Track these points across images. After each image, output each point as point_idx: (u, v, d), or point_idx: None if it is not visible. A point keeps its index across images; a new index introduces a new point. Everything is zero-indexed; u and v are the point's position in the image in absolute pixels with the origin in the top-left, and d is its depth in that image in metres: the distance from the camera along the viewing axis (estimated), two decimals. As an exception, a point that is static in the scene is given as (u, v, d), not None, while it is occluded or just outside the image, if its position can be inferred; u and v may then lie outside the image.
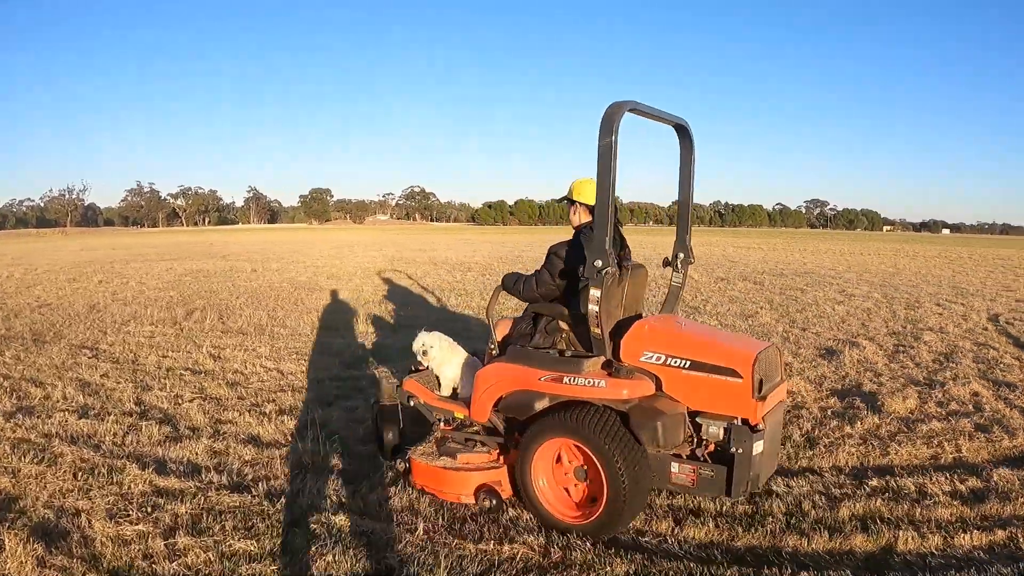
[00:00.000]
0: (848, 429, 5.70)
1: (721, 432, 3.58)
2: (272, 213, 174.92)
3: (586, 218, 4.22)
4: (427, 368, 4.68)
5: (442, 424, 4.50)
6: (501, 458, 4.22)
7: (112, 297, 13.89)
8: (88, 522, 3.80)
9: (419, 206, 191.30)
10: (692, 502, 4.22)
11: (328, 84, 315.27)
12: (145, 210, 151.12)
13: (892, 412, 6.18)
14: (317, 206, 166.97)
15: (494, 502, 4.03)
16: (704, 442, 3.70)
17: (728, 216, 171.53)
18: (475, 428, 4.37)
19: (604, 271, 3.56)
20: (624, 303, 4.14)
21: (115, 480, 4.38)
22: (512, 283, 4.41)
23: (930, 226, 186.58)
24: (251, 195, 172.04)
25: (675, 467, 3.71)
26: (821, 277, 19.26)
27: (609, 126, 3.52)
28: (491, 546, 3.70)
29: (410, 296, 14.38)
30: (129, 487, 4.28)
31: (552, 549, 3.69)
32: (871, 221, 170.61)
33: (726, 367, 3.55)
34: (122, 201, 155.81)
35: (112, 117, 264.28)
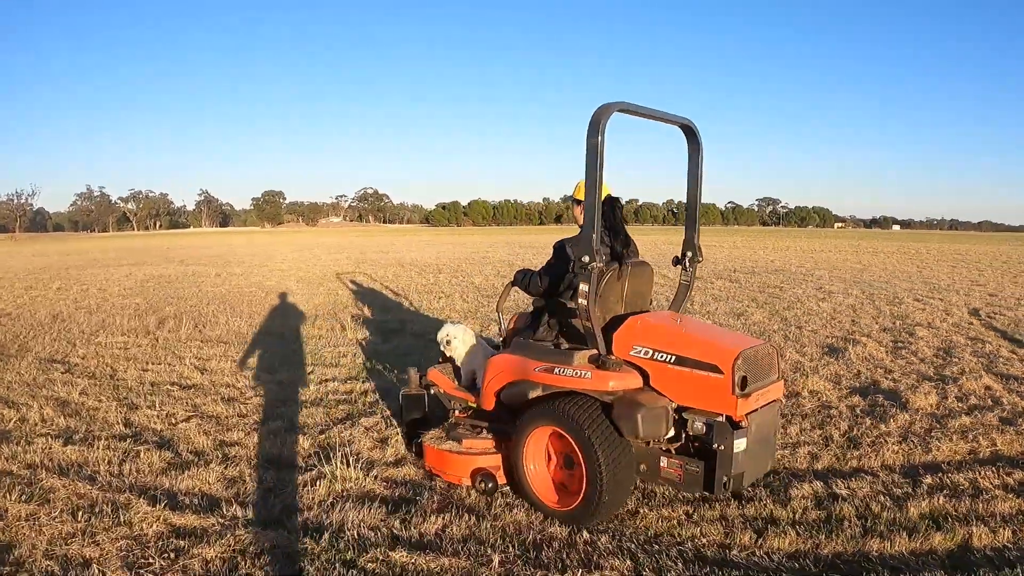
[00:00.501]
0: (884, 427, 5.59)
1: (704, 428, 3.58)
2: (224, 216, 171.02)
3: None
4: (450, 358, 4.88)
5: (457, 412, 4.74)
6: (501, 443, 4.30)
7: (75, 305, 12.95)
8: (102, 574, 3.23)
9: (372, 208, 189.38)
10: (763, 510, 4.06)
11: (280, 85, 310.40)
12: (95, 215, 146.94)
13: (918, 408, 6.10)
14: (270, 209, 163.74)
15: (490, 485, 4.16)
16: (691, 437, 3.71)
17: (681, 215, 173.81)
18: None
19: (591, 267, 3.60)
20: (625, 299, 4.18)
21: (122, 520, 3.75)
22: (521, 279, 4.47)
23: (880, 222, 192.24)
24: (203, 198, 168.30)
25: (664, 461, 3.76)
26: (793, 274, 19.28)
27: (596, 127, 3.55)
28: (578, 574, 3.31)
29: (388, 300, 13.82)
30: (141, 528, 3.67)
31: (644, 572, 3.34)
32: (823, 218, 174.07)
33: (707, 362, 3.55)
34: (72, 206, 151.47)
35: (62, 120, 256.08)
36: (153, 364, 7.73)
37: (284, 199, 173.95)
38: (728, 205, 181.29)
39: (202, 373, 7.27)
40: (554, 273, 4.24)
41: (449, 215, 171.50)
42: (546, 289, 4.30)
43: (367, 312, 11.73)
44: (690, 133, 4.31)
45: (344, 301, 13.42)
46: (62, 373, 7.25)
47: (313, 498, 4.12)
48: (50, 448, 4.91)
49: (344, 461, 4.52)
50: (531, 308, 4.61)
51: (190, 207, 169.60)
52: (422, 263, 24.22)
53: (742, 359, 3.53)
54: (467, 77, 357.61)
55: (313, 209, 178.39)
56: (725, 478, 3.55)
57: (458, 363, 4.83)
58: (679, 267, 4.52)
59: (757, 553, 3.57)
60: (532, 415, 3.96)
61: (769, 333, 9.83)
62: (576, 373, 3.76)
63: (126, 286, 16.58)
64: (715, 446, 3.53)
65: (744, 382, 3.54)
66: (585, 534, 3.73)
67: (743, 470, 3.60)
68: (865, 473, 4.65)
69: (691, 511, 4.05)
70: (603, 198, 4.04)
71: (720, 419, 3.55)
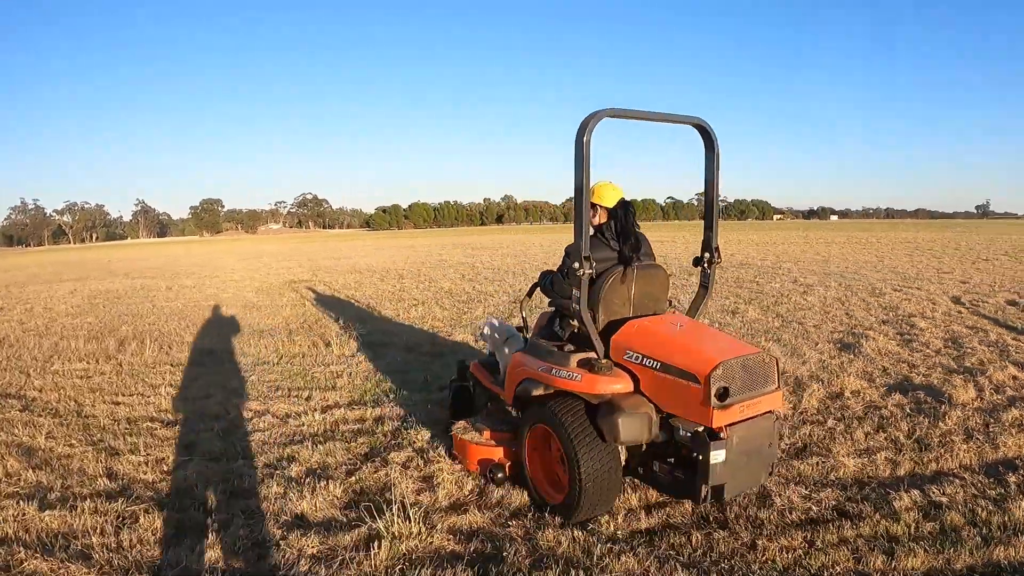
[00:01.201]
0: (942, 425, 5.35)
1: (687, 436, 3.52)
2: (162, 226, 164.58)
3: (605, 219, 4.24)
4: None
5: (489, 405, 4.94)
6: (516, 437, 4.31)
7: (21, 328, 11.60)
8: None
9: (312, 213, 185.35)
10: (877, 527, 3.78)
11: (216, 91, 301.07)
12: (30, 228, 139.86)
13: (963, 403, 5.88)
14: (208, 217, 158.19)
15: (499, 476, 4.23)
16: (679, 445, 3.65)
17: (671, 212, 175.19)
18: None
19: (581, 273, 3.66)
20: (633, 302, 4.10)
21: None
22: (543, 281, 4.49)
23: (819, 213, 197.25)
24: (139, 208, 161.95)
25: (656, 466, 3.78)
26: (761, 268, 19.03)
27: (582, 134, 3.56)
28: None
29: (361, 310, 12.90)
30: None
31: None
32: (761, 211, 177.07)
33: (686, 371, 3.46)
34: (4, 219, 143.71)
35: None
36: (123, 395, 6.74)
37: (223, 207, 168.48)
38: (668, 200, 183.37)
39: (183, 404, 6.35)
40: (561, 276, 4.21)
41: (390, 218, 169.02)
42: (557, 291, 4.27)
43: (341, 324, 10.79)
44: (704, 134, 4.17)
45: (313, 313, 12.46)
46: (20, 411, 6.22)
47: (376, 566, 3.33)
48: (23, 514, 3.97)
49: (400, 512, 3.73)
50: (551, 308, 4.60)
51: (127, 218, 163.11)
52: (380, 268, 23.23)
53: (722, 369, 3.39)
54: (401, 79, 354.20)
55: (252, 216, 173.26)
56: (704, 488, 3.47)
57: (496, 357, 5.02)
58: (699, 267, 4.44)
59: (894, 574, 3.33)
60: (531, 412, 4.07)
61: (773, 331, 9.42)
62: (569, 375, 3.81)
63: (73, 304, 15.13)
64: (694, 455, 3.49)
65: (725, 393, 3.41)
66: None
67: (723, 482, 3.47)
68: (950, 476, 4.42)
69: (808, 535, 3.68)
70: (616, 202, 4.17)
71: (699, 429, 3.48)
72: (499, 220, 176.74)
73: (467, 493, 4.26)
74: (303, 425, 5.65)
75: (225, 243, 77.66)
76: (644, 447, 3.81)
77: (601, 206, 4.21)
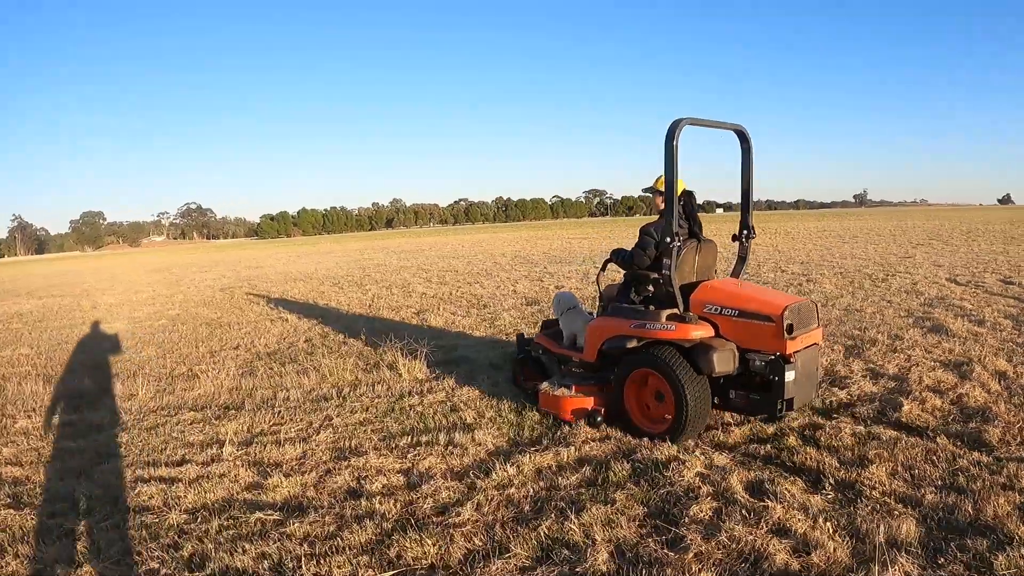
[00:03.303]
0: None
1: (763, 364, 4.25)
2: (40, 242, 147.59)
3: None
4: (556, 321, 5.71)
5: (562, 367, 5.39)
6: (603, 388, 4.89)
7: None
8: None
9: (196, 224, 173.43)
10: None
11: (94, 100, 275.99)
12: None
13: None
14: (90, 231, 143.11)
15: (598, 420, 4.69)
16: (752, 373, 4.33)
17: (512, 212, 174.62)
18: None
19: (673, 245, 4.39)
20: (697, 270, 4.81)
21: None
22: (619, 257, 5.07)
23: (704, 207, 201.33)
24: (16, 224, 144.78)
25: (732, 394, 4.43)
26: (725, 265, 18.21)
27: (671, 137, 4.29)
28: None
29: (358, 321, 10.74)
30: None
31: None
32: (648, 206, 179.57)
33: (763, 314, 4.26)
34: None
35: None
36: (168, 467, 4.47)
37: (104, 220, 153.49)
38: (554, 199, 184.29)
39: (285, 479, 4.14)
40: (642, 251, 4.78)
41: (278, 226, 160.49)
42: (638, 264, 4.81)
43: (364, 340, 8.68)
44: (742, 137, 4.97)
45: (306, 327, 10.15)
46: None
47: None
48: None
49: None
50: (619, 281, 5.29)
51: (2, 235, 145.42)
52: (322, 276, 20.63)
53: (788, 311, 4.20)
54: (282, 84, 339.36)
55: (135, 229, 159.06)
56: (780, 403, 4.21)
57: (560, 326, 5.59)
58: (736, 242, 5.25)
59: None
60: (630, 361, 4.61)
61: (863, 307, 8.31)
62: (664, 327, 4.43)
63: (-20, 333, 11.82)
64: (772, 378, 4.20)
65: (791, 328, 4.21)
66: None
67: (793, 396, 4.23)
68: None
69: None
70: (680, 191, 4.64)
71: (774, 357, 4.21)
72: (389, 224, 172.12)
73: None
74: (499, 496, 3.69)
75: (113, 258, 69.67)
76: (721, 380, 4.41)
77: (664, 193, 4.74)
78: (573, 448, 4.41)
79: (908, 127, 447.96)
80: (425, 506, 3.68)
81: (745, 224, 5.12)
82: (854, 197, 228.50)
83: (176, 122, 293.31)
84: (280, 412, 5.61)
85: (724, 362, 4.24)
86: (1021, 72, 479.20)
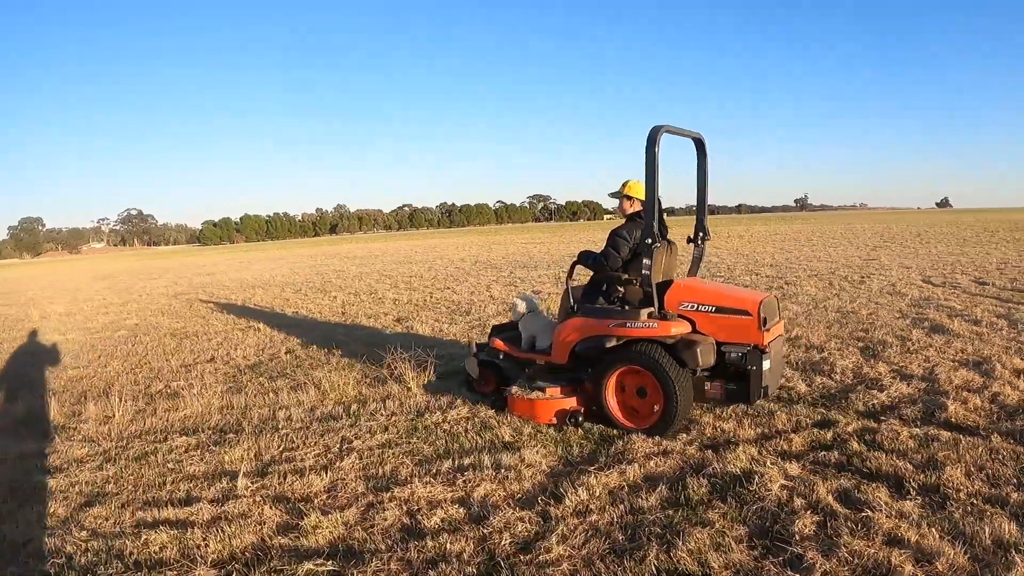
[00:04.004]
0: None
1: (739, 356, 4.43)
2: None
3: (637, 208, 4.96)
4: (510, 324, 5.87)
5: (527, 371, 5.35)
6: (576, 388, 4.90)
7: None
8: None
9: (137, 230, 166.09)
10: None
11: (30, 100, 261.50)
12: None
13: None
14: (28, 238, 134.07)
15: (580, 419, 4.69)
16: (728, 365, 4.48)
17: (457, 217, 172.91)
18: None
19: (654, 246, 4.51)
20: (663, 270, 4.92)
21: None
22: (589, 260, 5.07)
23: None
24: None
25: (707, 385, 4.57)
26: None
27: (652, 143, 4.42)
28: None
29: (341, 330, 10.02)
30: None
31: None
32: (593, 211, 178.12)
33: (741, 309, 4.48)
34: None
35: None
36: (174, 507, 3.77)
37: (43, 226, 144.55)
38: (498, 204, 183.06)
39: (323, 516, 3.50)
40: (614, 253, 4.83)
41: (221, 232, 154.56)
42: (610, 266, 4.84)
43: (338, 351, 8.02)
44: (700, 144, 5.19)
45: (288, 338, 9.38)
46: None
47: None
48: None
49: None
50: (575, 282, 5.29)
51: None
52: (288, 283, 19.58)
53: (761, 305, 4.45)
54: (224, 87, 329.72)
55: (75, 235, 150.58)
56: (758, 391, 4.41)
57: (520, 329, 5.54)
58: (692, 244, 5.35)
59: None
60: (612, 359, 4.65)
61: (855, 308, 8.11)
62: (645, 325, 4.52)
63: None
64: (749, 368, 4.40)
65: (765, 321, 4.44)
66: None
67: (768, 384, 4.47)
68: None
69: None
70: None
71: (750, 348, 4.42)
72: (333, 230, 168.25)
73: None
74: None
75: (53, 265, 65.42)
76: (697, 373, 4.51)
77: (636, 198, 4.96)
78: (636, 465, 3.99)
79: (847, 132, 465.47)
80: (503, 543, 3.15)
81: (701, 227, 5.31)
82: (795, 201, 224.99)
83: (116, 125, 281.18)
84: (287, 435, 4.93)
85: (707, 355, 4.39)
86: (957, 78, 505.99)
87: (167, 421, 5.52)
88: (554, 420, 4.78)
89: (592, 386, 4.75)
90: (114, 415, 5.71)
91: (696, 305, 4.56)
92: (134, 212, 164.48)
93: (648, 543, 3.09)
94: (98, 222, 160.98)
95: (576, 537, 3.19)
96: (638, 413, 4.64)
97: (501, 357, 5.51)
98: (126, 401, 6.08)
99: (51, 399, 6.31)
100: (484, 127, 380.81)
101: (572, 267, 5.35)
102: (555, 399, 4.83)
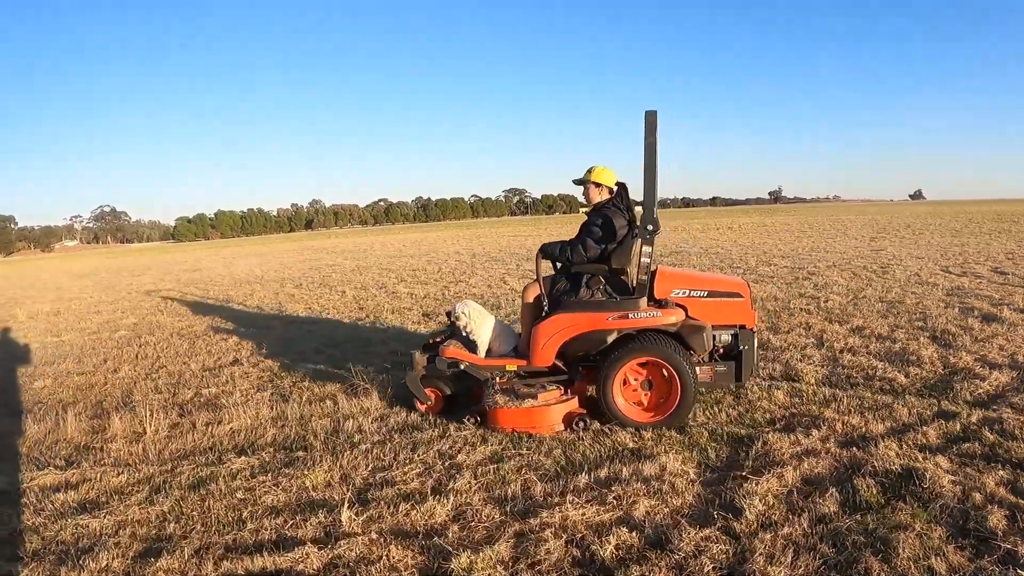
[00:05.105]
0: None
1: (730, 338, 4.46)
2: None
3: (605, 196, 4.73)
4: (450, 333, 5.08)
5: (498, 378, 4.65)
6: (570, 390, 4.53)
7: None
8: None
9: (111, 227, 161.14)
10: None
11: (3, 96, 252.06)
12: None
13: None
14: (1, 237, 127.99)
15: (585, 423, 4.28)
16: (717, 347, 4.48)
17: (433, 211, 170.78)
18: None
19: (655, 232, 4.24)
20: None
21: None
22: (557, 251, 4.65)
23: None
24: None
25: (698, 369, 4.33)
26: (710, 259, 17.51)
27: (652, 128, 4.09)
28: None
29: (340, 325, 9.11)
30: None
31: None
32: (569, 204, 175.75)
33: (734, 292, 4.53)
34: None
35: None
36: (269, 553, 2.91)
37: (15, 224, 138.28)
38: (473, 198, 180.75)
39: (474, 555, 2.76)
40: (591, 244, 4.56)
41: (196, 229, 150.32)
42: (588, 257, 4.55)
43: (379, 349, 7.14)
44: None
45: (312, 337, 8.45)
46: None
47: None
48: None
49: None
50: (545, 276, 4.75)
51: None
52: (287, 278, 18.46)
53: (747, 287, 4.61)
54: (195, 82, 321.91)
55: (47, 233, 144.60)
56: (750, 369, 4.52)
57: (472, 337, 4.89)
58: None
59: None
60: (621, 353, 4.31)
61: (901, 298, 7.53)
62: (648, 315, 4.29)
63: None
64: (741, 348, 4.44)
65: (752, 303, 4.55)
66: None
67: (754, 363, 4.64)
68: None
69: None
70: (614, 182, 4.72)
71: (740, 330, 4.46)
72: (309, 226, 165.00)
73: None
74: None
75: (27, 263, 62.22)
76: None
77: (605, 185, 4.72)
78: (790, 468, 3.54)
79: (819, 125, 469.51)
80: (705, 570, 2.59)
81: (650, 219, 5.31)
82: (769, 194, 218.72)
83: (87, 122, 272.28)
84: (369, 450, 4.08)
85: (709, 340, 4.33)
86: (928, 70, 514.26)
87: (213, 437, 4.61)
88: (562, 427, 4.31)
89: (593, 385, 4.52)
90: (145, 430, 4.78)
91: (688, 291, 4.49)
92: (107, 209, 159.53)
93: (862, 554, 2.72)
94: (71, 219, 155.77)
95: (782, 555, 2.72)
96: (651, 406, 4.39)
97: (465, 367, 4.71)
98: (156, 413, 5.13)
99: (64, 413, 5.33)
100: (458, 121, 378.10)
101: (538, 263, 4.71)
102: (560, 403, 4.36)
